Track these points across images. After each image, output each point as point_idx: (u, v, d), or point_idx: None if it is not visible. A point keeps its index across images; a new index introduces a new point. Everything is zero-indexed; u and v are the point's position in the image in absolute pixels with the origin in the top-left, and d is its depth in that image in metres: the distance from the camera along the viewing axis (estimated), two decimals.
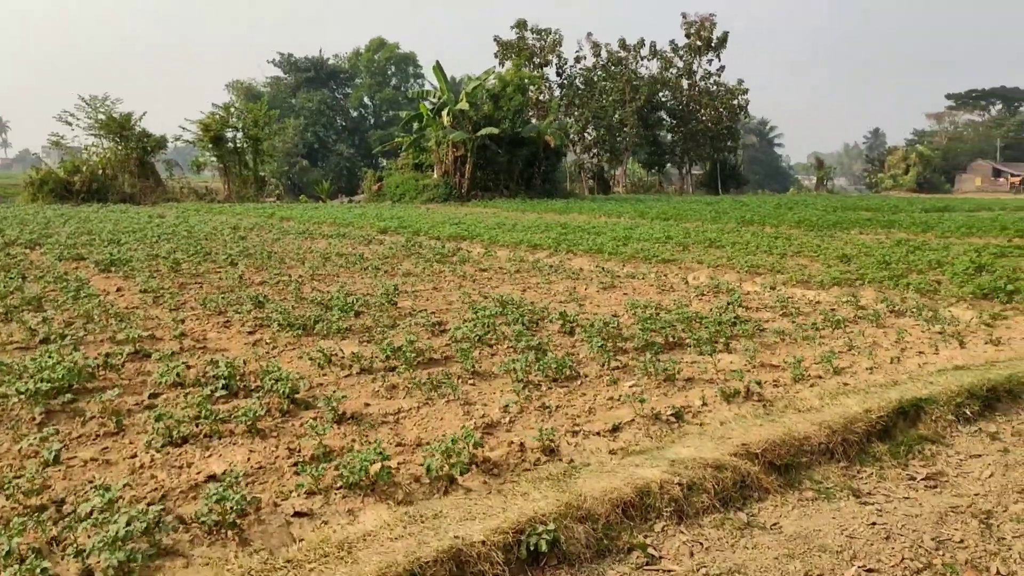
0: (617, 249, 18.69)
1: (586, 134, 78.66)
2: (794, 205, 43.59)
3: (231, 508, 4.33)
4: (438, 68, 54.03)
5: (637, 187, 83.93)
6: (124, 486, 4.92)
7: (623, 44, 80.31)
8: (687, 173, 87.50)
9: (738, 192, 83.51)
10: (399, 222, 29.12)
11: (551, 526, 4.32)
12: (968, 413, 6.81)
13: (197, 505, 4.65)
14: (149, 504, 4.70)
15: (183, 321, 10.02)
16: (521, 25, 75.76)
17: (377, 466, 4.89)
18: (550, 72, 78.01)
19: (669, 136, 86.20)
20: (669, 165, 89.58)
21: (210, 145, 58.47)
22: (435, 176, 54.62)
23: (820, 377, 7.62)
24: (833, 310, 11.50)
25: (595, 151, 79.41)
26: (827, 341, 9.28)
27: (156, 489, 4.95)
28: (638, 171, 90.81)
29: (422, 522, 4.41)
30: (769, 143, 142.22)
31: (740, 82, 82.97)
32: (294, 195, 72.95)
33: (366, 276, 14.95)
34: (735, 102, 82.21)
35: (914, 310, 11.17)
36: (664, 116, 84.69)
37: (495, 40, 76.17)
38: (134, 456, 5.51)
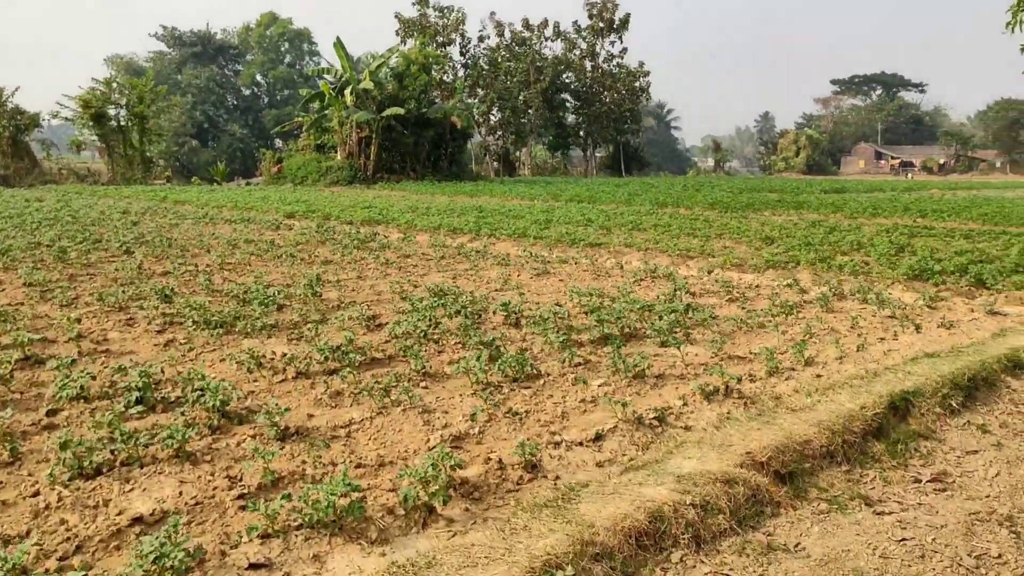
0: (540, 233, 18.12)
1: (491, 116, 77.92)
2: (701, 187, 44.15)
3: (171, 566, 3.47)
4: (339, 44, 52.12)
5: (542, 170, 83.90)
6: (26, 533, 3.99)
7: (527, 24, 79.85)
8: (591, 156, 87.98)
9: (641, 174, 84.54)
10: (306, 206, 27.80)
11: (569, 571, 3.63)
12: (954, 405, 6.50)
13: (123, 558, 3.77)
14: (62, 560, 3.79)
15: (79, 320, 8.80)
16: (422, 2, 74.23)
17: (347, 500, 4.11)
18: (454, 52, 76.96)
19: (573, 118, 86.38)
20: (573, 147, 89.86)
21: (91, 123, 54.92)
22: (339, 158, 52.88)
23: (793, 369, 7.19)
24: (776, 294, 11.23)
25: (500, 133, 78.81)
26: (784, 328, 8.90)
27: (69, 539, 4.01)
28: (541, 153, 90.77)
29: (414, 574, 3.65)
30: (667, 126, 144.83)
31: (641, 65, 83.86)
32: (185, 177, 69.65)
33: (281, 264, 13.88)
34: (637, 84, 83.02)
35: (856, 293, 10.97)
36: (568, 98, 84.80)
37: (396, 17, 74.46)
38: (36, 494, 4.53)
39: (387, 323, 9.02)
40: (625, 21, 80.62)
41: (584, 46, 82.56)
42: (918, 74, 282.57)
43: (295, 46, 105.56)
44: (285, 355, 7.30)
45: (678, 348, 7.76)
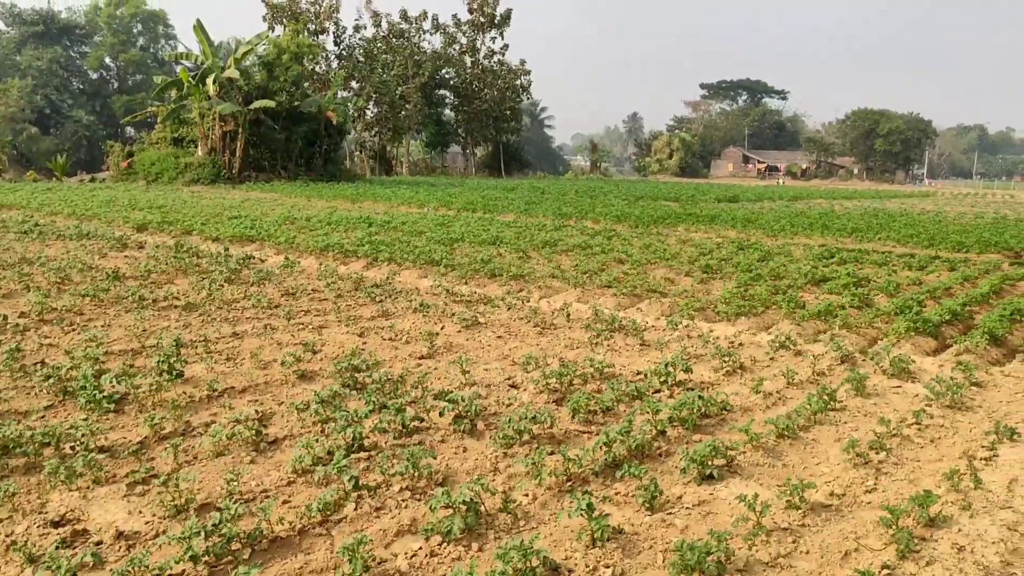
0: (449, 258, 15.37)
1: (367, 111, 73.89)
2: (593, 193, 42.41)
3: None
4: (199, 27, 47.14)
5: (420, 168, 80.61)
6: None
7: (405, 16, 76.34)
8: (471, 154, 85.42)
9: (522, 175, 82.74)
10: (162, 214, 23.90)
11: None
12: None
13: None
14: None
15: None
16: None
17: None
18: (327, 42, 72.46)
19: (452, 115, 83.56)
20: (452, 145, 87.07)
21: None
22: (200, 153, 47.96)
23: (924, 542, 4.84)
24: (772, 358, 9.00)
25: (377, 129, 74.87)
26: (839, 435, 6.61)
27: None
28: (417, 151, 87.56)
29: None
30: (540, 124, 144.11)
31: (522, 63, 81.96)
32: (21, 169, 62.39)
33: (126, 313, 10.56)
34: (518, 82, 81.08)
35: (870, 359, 8.87)
36: (447, 94, 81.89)
37: (263, 1, 69.24)
38: None
39: (284, 437, 6.17)
40: (506, 17, 78.42)
41: (464, 41, 79.82)
42: (779, 82, 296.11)
43: (149, 28, 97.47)
44: (123, 534, 4.36)
45: (725, 485, 5.35)
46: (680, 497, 5.27)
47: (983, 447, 6.27)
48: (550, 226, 23.73)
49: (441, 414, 6.55)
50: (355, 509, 5.00)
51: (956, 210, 39.96)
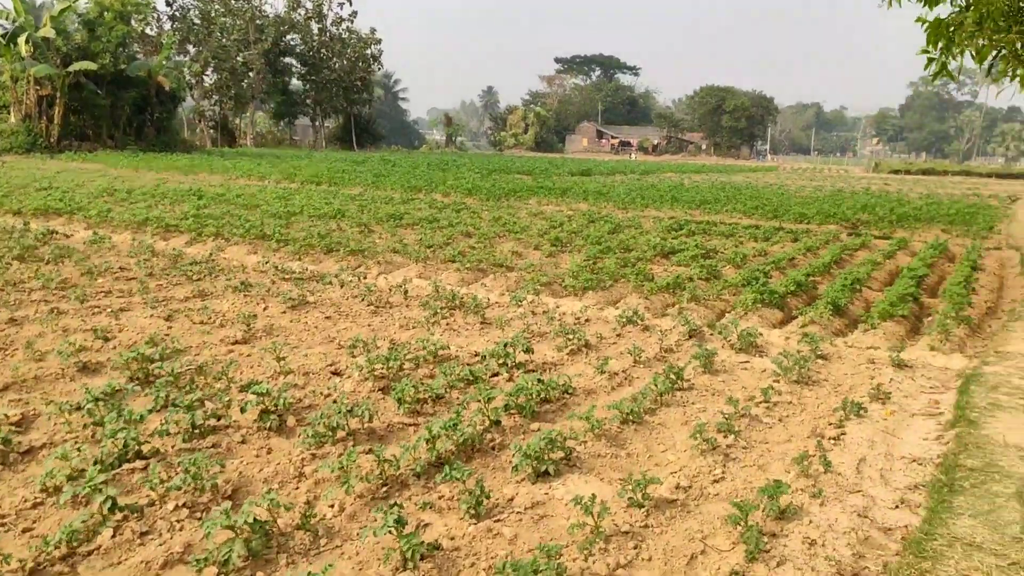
0: (283, 232, 14.17)
1: (205, 78, 69.55)
2: (445, 166, 41.51)
3: None
4: None
5: (266, 140, 76.98)
6: None
7: None
8: (320, 126, 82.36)
9: (375, 148, 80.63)
10: None
11: None
12: None
13: None
14: None
15: None
16: None
17: None
18: (158, 1, 67.57)
19: (300, 85, 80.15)
20: (301, 117, 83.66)
21: None
22: (12, 120, 43.54)
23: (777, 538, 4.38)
24: (620, 334, 8.53)
25: (217, 98, 70.69)
26: (686, 413, 6.14)
27: None
28: (265, 122, 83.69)
29: None
30: (395, 97, 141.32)
31: (373, 31, 79.55)
32: None
33: None
34: (368, 52, 78.65)
35: (718, 332, 8.56)
36: (294, 63, 78.40)
37: None
38: None
39: (44, 445, 5.11)
40: None
41: (310, 6, 76.48)
42: (631, 58, 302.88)
43: None
44: None
45: (562, 482, 4.73)
46: (511, 499, 4.60)
47: (831, 424, 5.95)
48: (398, 199, 22.75)
49: (243, 410, 5.60)
50: (113, 536, 4.04)
51: (797, 183, 41.70)
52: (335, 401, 5.97)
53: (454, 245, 13.83)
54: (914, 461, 5.34)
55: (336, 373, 6.91)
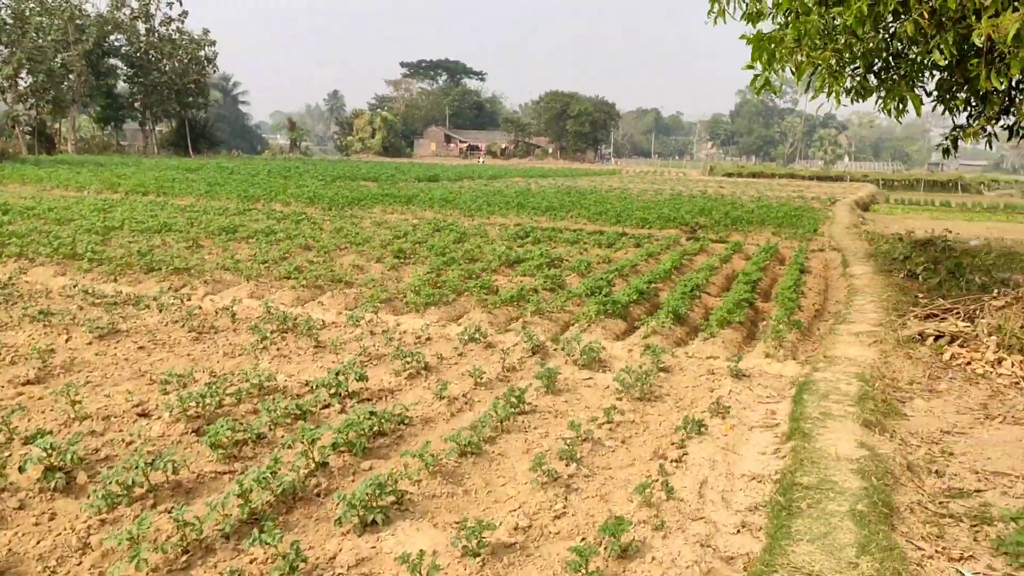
0: (99, 251, 12.97)
1: (20, 80, 64.06)
2: (288, 173, 40.04)
3: None
4: None
5: (91, 146, 71.84)
6: None
7: None
8: (151, 131, 77.77)
9: (213, 153, 77.00)
10: None
11: None
12: None
13: None
14: None
15: None
16: None
17: None
18: None
19: (127, 88, 75.39)
20: (129, 121, 78.70)
21: None
22: None
23: None
24: (461, 353, 8.20)
25: (33, 101, 65.26)
26: (528, 440, 5.86)
27: None
28: (88, 127, 78.22)
29: None
30: (234, 100, 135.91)
31: (206, 32, 75.96)
32: None
33: None
34: (202, 53, 75.02)
35: (560, 348, 8.38)
36: (120, 64, 73.62)
37: None
38: None
39: None
40: None
41: (136, 5, 72.05)
42: (477, 63, 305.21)
43: None
44: None
45: (392, 532, 4.33)
46: (333, 558, 4.14)
47: (673, 444, 5.84)
48: (233, 210, 21.56)
49: (22, 468, 4.85)
50: None
51: (639, 187, 42.98)
52: (141, 447, 5.32)
53: (291, 260, 13.11)
54: (754, 479, 5.28)
55: (144, 414, 6.19)
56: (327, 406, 6.44)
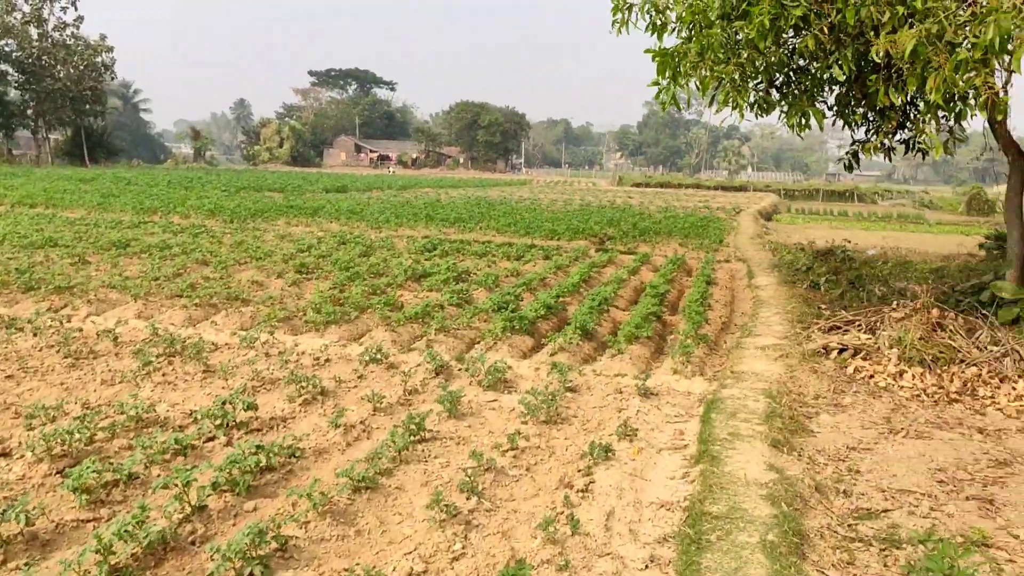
0: None
1: None
2: (190, 183, 38.59)
3: None
4: None
5: None
6: None
7: None
8: (44, 139, 74.08)
9: (111, 163, 73.84)
10: None
11: None
12: None
13: None
14: None
15: None
16: None
17: None
18: None
19: (18, 94, 71.62)
20: (20, 129, 74.74)
21: None
22: None
23: None
24: (362, 375, 7.81)
25: None
26: (428, 472, 5.52)
27: None
28: None
29: None
30: (135, 108, 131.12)
31: (103, 38, 72.90)
32: None
33: None
34: (99, 60, 71.96)
35: (465, 368, 8.08)
36: (10, 70, 69.89)
37: None
38: None
39: None
40: None
41: (28, 9, 68.61)
42: (388, 73, 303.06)
43: None
44: None
45: None
46: None
47: (579, 471, 5.60)
48: (127, 223, 20.51)
49: None
50: None
51: (549, 197, 43.10)
52: None
53: (186, 276, 12.44)
54: (663, 507, 5.09)
55: (4, 454, 5.61)
56: (211, 439, 5.98)
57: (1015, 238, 10.00)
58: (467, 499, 5.03)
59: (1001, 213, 43.68)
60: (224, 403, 6.24)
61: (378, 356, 8.22)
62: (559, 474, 5.57)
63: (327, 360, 8.40)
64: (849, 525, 4.99)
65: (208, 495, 4.84)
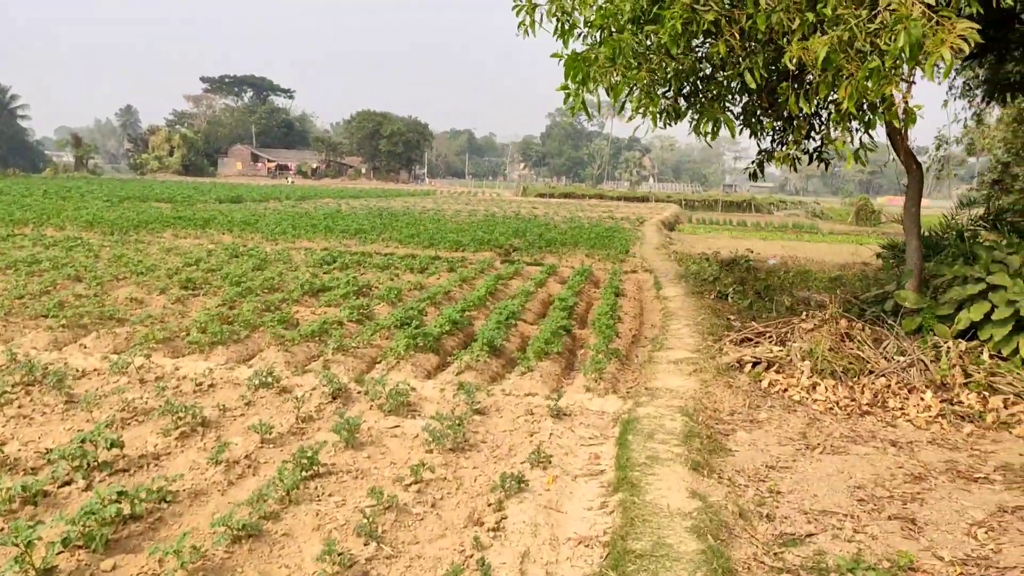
0: None
1: None
2: (69, 193, 36.37)
3: None
4: None
5: None
6: None
7: None
8: None
9: None
10: None
11: None
12: None
13: None
14: None
15: None
16: None
17: None
18: None
19: None
20: None
21: None
22: None
23: None
24: (250, 401, 7.11)
25: None
26: (325, 515, 4.92)
27: None
28: None
29: None
30: (12, 114, 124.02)
31: None
32: None
33: None
34: None
35: (365, 392, 7.49)
36: None
37: None
38: None
39: None
40: None
41: None
42: (285, 80, 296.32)
43: None
44: None
45: None
46: None
47: (490, 506, 5.11)
48: None
49: None
50: None
51: (453, 208, 42.57)
52: None
53: (55, 294, 11.38)
54: (581, 543, 4.66)
55: None
56: (67, 483, 5.21)
57: (913, 247, 10.07)
58: (365, 544, 4.48)
59: (887, 223, 45.55)
60: (84, 440, 5.46)
61: (269, 379, 7.53)
62: (468, 509, 5.06)
63: (211, 385, 7.65)
64: (775, 554, 4.69)
65: (58, 553, 4.13)
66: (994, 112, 25.51)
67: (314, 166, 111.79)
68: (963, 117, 25.52)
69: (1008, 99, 10.29)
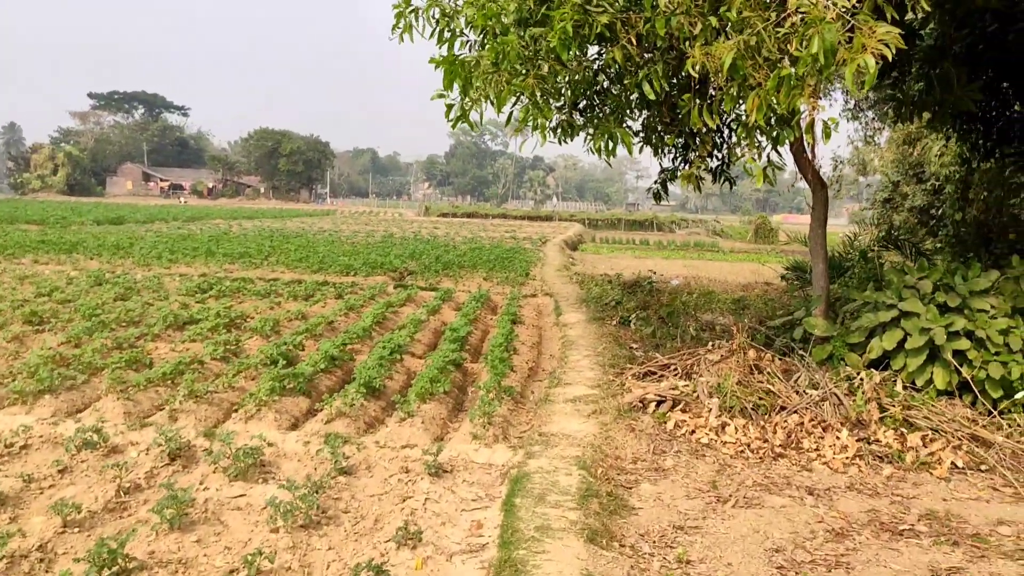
0: None
1: None
2: None
3: None
4: None
5: None
6: None
7: None
8: None
9: None
10: None
11: None
12: None
13: None
14: None
15: None
16: None
17: None
18: None
19: None
20: None
21: None
22: None
23: None
24: (66, 469, 5.90)
25: None
26: None
27: None
28: None
29: None
30: None
31: None
32: None
33: None
34: None
35: (210, 449, 6.37)
36: None
37: None
38: None
39: None
40: None
41: None
42: (180, 97, 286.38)
43: None
44: None
45: None
46: None
47: None
48: None
49: None
50: None
51: (352, 228, 41.17)
52: None
53: None
54: None
55: None
56: None
57: (820, 271, 9.57)
58: None
59: (785, 241, 46.41)
60: None
61: (95, 438, 6.32)
62: None
63: (24, 447, 6.38)
64: None
65: None
66: (884, 134, 26.08)
67: (210, 185, 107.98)
68: (854, 139, 25.98)
69: (914, 118, 9.92)
